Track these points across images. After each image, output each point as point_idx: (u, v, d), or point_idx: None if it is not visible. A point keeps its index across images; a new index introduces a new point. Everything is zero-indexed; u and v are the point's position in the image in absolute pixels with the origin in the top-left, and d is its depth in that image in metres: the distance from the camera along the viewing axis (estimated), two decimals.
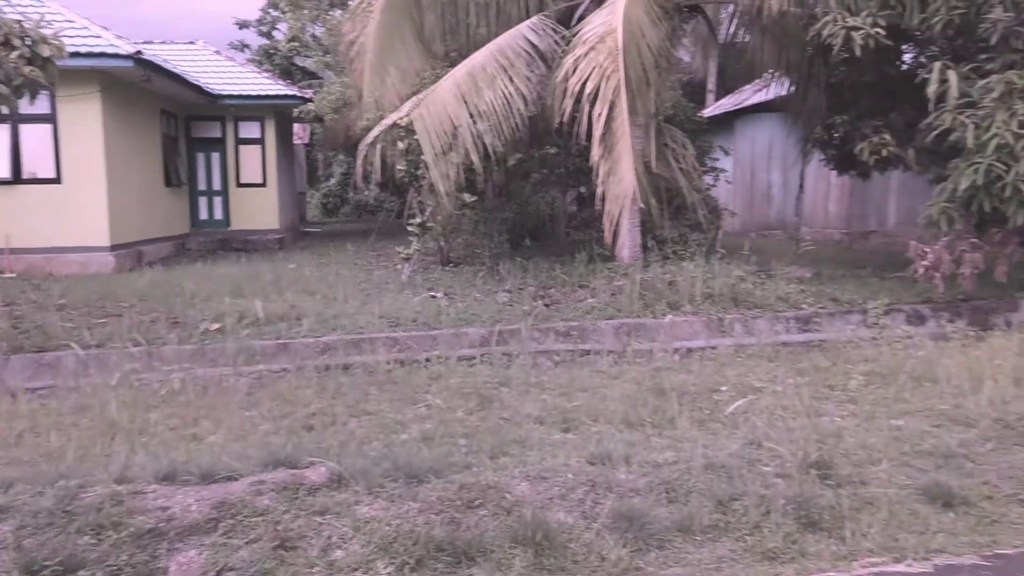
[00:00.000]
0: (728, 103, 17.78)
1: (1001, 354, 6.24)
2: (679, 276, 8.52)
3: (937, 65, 7.42)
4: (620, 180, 7.42)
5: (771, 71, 10.67)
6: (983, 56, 7.44)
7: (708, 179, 13.02)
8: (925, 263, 7.63)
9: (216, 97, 14.96)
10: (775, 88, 11.13)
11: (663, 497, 3.54)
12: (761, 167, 16.63)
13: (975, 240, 7.55)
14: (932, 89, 7.30)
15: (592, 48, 7.43)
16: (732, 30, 10.41)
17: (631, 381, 5.94)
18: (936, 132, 7.33)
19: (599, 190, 7.78)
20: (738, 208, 16.52)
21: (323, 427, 4.78)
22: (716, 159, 13.30)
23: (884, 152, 8.72)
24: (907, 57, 9.56)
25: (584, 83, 7.38)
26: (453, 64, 9.49)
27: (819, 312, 8.02)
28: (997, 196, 6.98)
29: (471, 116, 8.53)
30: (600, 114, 7.37)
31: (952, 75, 7.25)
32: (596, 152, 7.60)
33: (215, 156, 15.99)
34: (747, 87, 14.94)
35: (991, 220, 7.44)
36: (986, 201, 7.04)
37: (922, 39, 8.37)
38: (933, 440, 4.46)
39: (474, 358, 6.55)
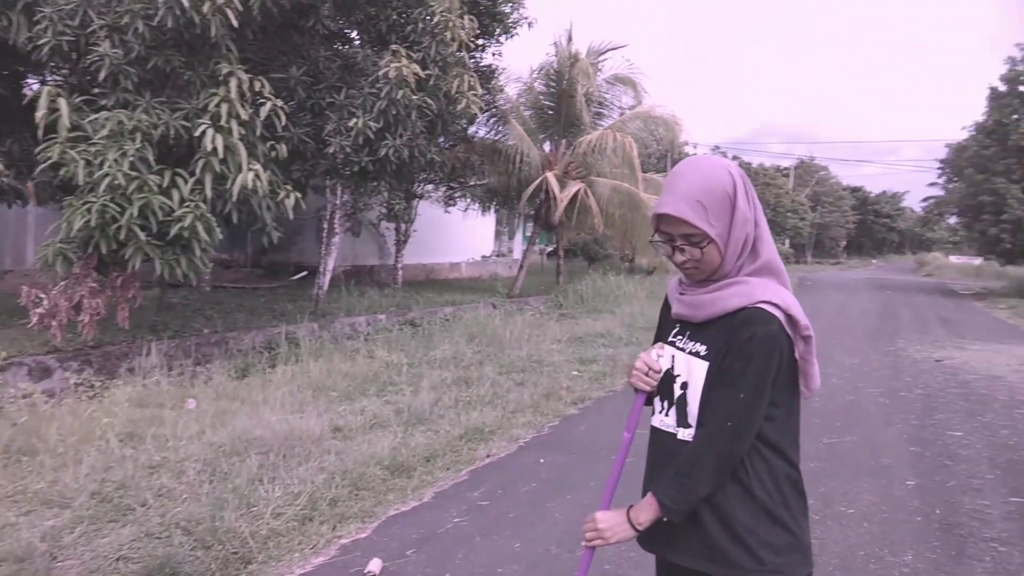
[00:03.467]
0: None
1: (118, 407, 5.88)
2: None
3: (46, 90, 6.68)
4: None
5: None
6: (98, 90, 7.07)
7: None
8: (40, 310, 6.77)
9: None
10: None
11: None
12: None
13: (96, 284, 7.08)
14: (40, 115, 6.52)
15: None
16: None
17: None
18: (47, 164, 6.56)
19: None
20: None
21: None
22: None
23: None
24: (33, 80, 8.64)
25: None
26: None
27: None
28: (115, 238, 6.64)
29: None
30: None
31: (64, 104, 6.62)
32: None
33: None
34: None
35: (112, 263, 7.09)
36: (103, 243, 6.63)
37: (36, 62, 7.51)
38: (15, 536, 3.62)
39: None
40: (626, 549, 3.47)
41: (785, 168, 60.24)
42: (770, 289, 1.71)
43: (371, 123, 7.93)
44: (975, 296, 25.33)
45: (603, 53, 17.00)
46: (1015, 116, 24.02)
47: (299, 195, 7.71)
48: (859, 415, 6.96)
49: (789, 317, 1.69)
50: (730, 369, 1.69)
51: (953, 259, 55.30)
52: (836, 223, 62.96)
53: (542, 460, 5.36)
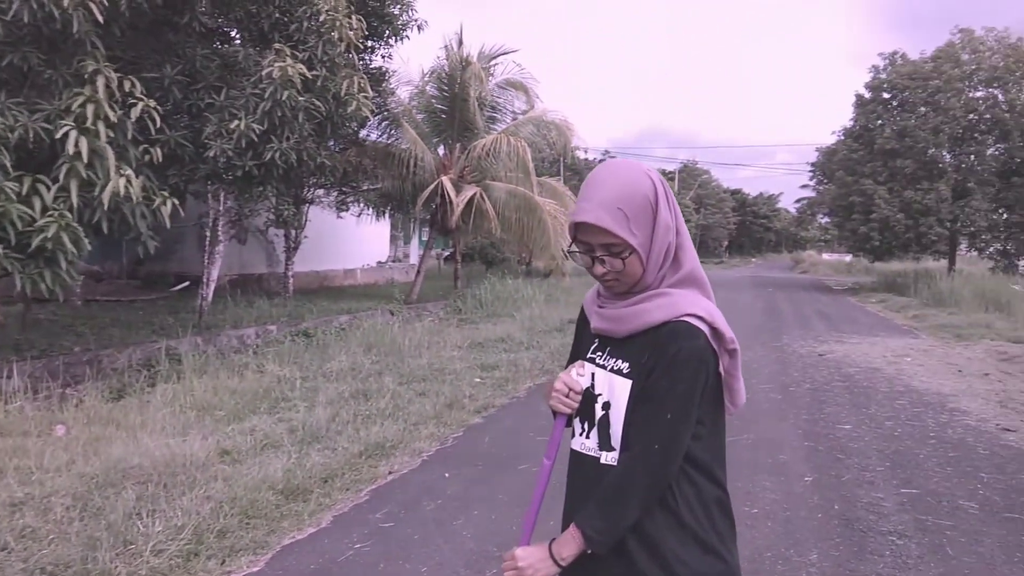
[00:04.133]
0: None
1: None
2: None
3: None
4: None
5: None
6: None
7: None
8: None
9: None
10: None
11: None
12: None
13: None
14: None
15: None
16: None
17: None
18: None
19: None
20: None
21: None
22: None
23: None
24: None
25: None
26: None
27: None
28: None
29: None
30: None
31: None
32: None
33: None
34: None
35: None
36: None
37: None
38: None
39: None
40: None
41: (670, 172, 62.42)
42: (694, 301, 1.61)
43: (255, 125, 7.52)
44: (848, 291, 26.93)
45: (495, 57, 16.97)
46: (880, 121, 25.68)
47: (176, 201, 7.21)
48: (754, 412, 7.14)
49: (714, 330, 1.60)
50: (655, 387, 1.58)
51: (826, 256, 58.85)
52: (718, 224, 65.77)
53: (447, 474, 5.17)
